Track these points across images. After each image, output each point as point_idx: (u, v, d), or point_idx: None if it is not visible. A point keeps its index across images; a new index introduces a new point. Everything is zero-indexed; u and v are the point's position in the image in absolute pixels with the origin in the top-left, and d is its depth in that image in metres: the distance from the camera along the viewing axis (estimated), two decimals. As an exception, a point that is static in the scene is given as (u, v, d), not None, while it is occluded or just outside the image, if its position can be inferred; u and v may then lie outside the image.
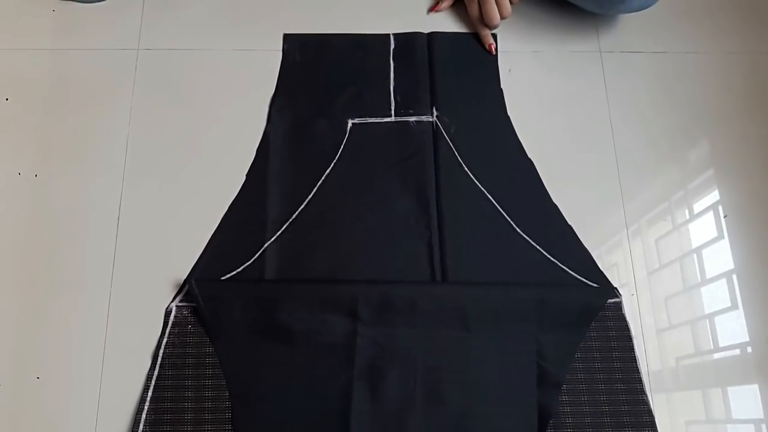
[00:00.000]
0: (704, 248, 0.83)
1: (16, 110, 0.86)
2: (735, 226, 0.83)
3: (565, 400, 0.74)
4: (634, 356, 0.76)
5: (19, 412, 0.73)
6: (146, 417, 0.72)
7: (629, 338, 0.77)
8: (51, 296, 0.77)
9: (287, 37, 0.90)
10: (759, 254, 0.82)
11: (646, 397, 0.74)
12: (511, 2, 0.87)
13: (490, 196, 0.82)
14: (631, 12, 0.85)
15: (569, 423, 0.73)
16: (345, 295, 0.75)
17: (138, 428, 0.71)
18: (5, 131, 0.85)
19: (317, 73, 0.88)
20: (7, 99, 0.86)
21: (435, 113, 0.86)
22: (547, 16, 0.92)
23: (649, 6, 0.84)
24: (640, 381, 0.75)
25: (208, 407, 0.72)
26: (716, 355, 0.78)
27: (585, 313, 0.77)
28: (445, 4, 0.91)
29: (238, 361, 0.74)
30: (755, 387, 0.77)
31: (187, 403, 0.73)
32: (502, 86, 0.88)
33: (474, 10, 0.89)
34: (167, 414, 0.72)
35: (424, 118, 0.85)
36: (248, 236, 0.79)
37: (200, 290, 0.75)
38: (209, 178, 0.83)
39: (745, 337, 0.79)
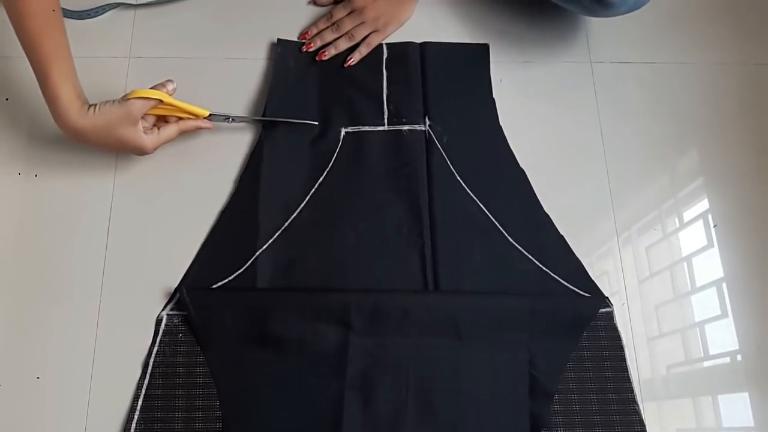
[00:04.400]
0: (694, 257, 0.83)
1: (16, 110, 0.85)
2: (724, 234, 0.84)
3: (557, 410, 0.74)
4: (626, 366, 0.76)
5: (6, 422, 0.73)
6: (136, 426, 0.71)
7: (621, 348, 0.77)
8: (41, 304, 0.77)
9: (281, 42, 0.90)
10: (748, 262, 0.83)
11: (638, 406, 0.74)
12: None
13: (482, 206, 0.82)
14: (619, 15, 0.85)
15: (561, 432, 0.73)
16: (337, 305, 0.74)
17: (128, 438, 0.71)
18: (5, 131, 0.85)
19: (310, 81, 0.88)
20: (7, 99, 0.86)
21: (427, 122, 0.86)
22: (537, 26, 0.93)
23: (639, 8, 0.83)
24: (631, 390, 0.75)
25: (198, 416, 0.72)
26: (706, 364, 0.79)
27: (577, 323, 0.77)
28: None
29: (229, 370, 0.74)
30: (745, 395, 0.78)
31: (178, 412, 0.72)
32: (494, 96, 0.89)
33: None
34: (157, 423, 0.72)
35: (416, 127, 0.86)
36: (240, 244, 0.79)
37: (191, 299, 0.75)
38: (201, 186, 0.82)
39: (734, 345, 0.79)
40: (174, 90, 0.78)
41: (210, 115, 0.81)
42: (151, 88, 0.76)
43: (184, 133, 0.81)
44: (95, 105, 0.73)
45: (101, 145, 0.77)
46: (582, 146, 0.87)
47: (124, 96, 0.75)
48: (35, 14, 0.70)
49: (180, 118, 0.80)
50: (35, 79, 0.71)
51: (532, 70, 0.91)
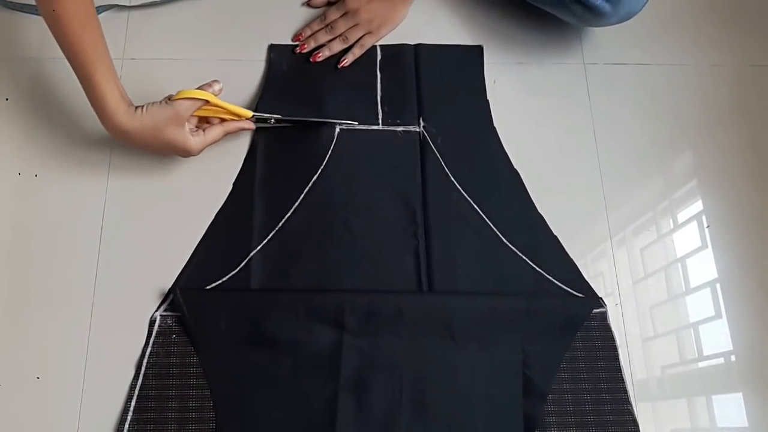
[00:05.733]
0: (688, 258, 0.83)
1: (16, 110, 0.86)
2: (718, 235, 0.84)
3: (551, 410, 0.74)
4: (619, 366, 0.76)
5: (-1, 424, 0.73)
6: (129, 427, 0.71)
7: (614, 348, 0.77)
8: (35, 303, 0.77)
9: (274, 47, 0.90)
10: (742, 263, 0.83)
11: (631, 407, 0.74)
12: None
13: (476, 207, 0.82)
14: (610, 26, 0.86)
15: (555, 433, 0.73)
16: (331, 305, 0.74)
17: (121, 439, 0.71)
18: (5, 131, 0.85)
19: (304, 83, 0.88)
20: (7, 99, 0.86)
21: (422, 124, 0.86)
22: (531, 28, 0.93)
23: (629, 19, 0.84)
24: (625, 391, 0.75)
25: (192, 417, 0.72)
26: (700, 364, 0.79)
27: (570, 324, 0.77)
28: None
29: (223, 371, 0.74)
30: (739, 395, 0.78)
31: (171, 413, 0.72)
32: (487, 97, 0.89)
33: None
34: (150, 424, 0.71)
35: (411, 128, 0.86)
36: (234, 245, 0.79)
37: (185, 300, 0.75)
38: (195, 187, 0.82)
39: (728, 346, 0.79)
40: (220, 90, 0.78)
41: (253, 115, 0.81)
42: (197, 88, 0.76)
43: (228, 135, 0.81)
44: (142, 106, 0.74)
45: (147, 147, 0.77)
46: (575, 147, 0.87)
47: (170, 97, 0.75)
48: (73, 18, 0.69)
49: (223, 119, 0.80)
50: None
51: (525, 71, 0.91)
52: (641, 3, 0.81)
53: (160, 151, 0.78)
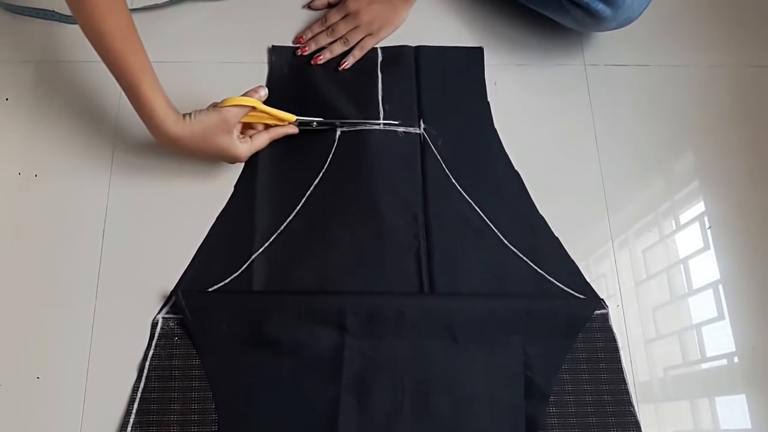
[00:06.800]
0: (690, 259, 0.83)
1: (16, 110, 0.86)
2: (720, 236, 0.84)
3: (553, 412, 0.74)
4: (621, 368, 0.76)
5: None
6: (131, 430, 0.71)
7: (616, 349, 0.77)
8: (36, 305, 0.77)
9: (275, 49, 0.90)
10: (744, 264, 0.83)
11: (633, 408, 0.74)
12: None
13: (477, 208, 0.82)
14: (608, 31, 0.86)
15: (557, 434, 0.73)
16: (333, 307, 0.75)
17: (123, 441, 0.71)
18: (5, 131, 0.85)
19: (305, 86, 0.88)
20: (7, 99, 0.86)
21: (422, 125, 0.86)
22: (532, 30, 0.93)
23: (628, 24, 0.84)
24: (626, 392, 0.75)
25: (194, 420, 0.72)
26: (703, 366, 0.79)
27: (572, 325, 0.77)
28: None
29: (225, 373, 0.74)
30: (742, 397, 0.77)
31: (174, 415, 0.72)
32: (488, 99, 0.89)
33: None
34: (153, 427, 0.71)
35: (411, 129, 0.86)
36: (236, 247, 0.79)
37: (187, 302, 0.75)
38: (197, 189, 0.82)
39: (731, 347, 0.79)
40: (266, 96, 0.78)
41: (296, 120, 0.81)
42: (243, 95, 0.76)
43: (273, 140, 0.81)
44: (190, 114, 0.74)
45: (196, 153, 0.77)
46: (576, 148, 0.87)
47: (215, 104, 0.75)
48: (114, 32, 0.70)
49: (267, 125, 0.80)
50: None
51: (526, 72, 0.91)
52: (641, 8, 0.82)
53: (208, 156, 0.79)
